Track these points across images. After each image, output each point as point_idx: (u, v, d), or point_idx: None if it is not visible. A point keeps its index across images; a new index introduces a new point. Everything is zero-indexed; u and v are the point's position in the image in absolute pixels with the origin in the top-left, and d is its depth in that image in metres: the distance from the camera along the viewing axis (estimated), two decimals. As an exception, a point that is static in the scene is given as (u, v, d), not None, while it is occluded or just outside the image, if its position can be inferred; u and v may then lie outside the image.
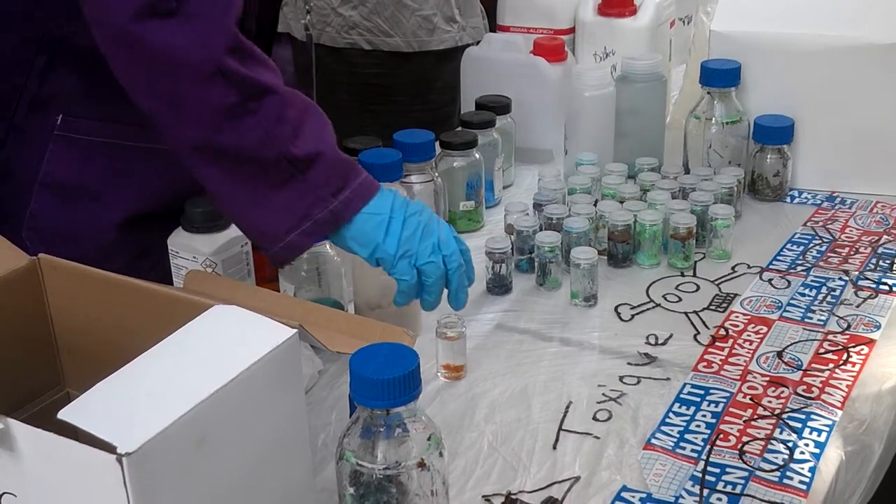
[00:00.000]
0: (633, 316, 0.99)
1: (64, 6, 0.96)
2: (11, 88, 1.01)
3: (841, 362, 0.90)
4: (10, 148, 1.02)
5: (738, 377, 0.88)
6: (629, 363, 0.91)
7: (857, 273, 1.05)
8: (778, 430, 0.80)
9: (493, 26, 1.58)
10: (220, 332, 0.60)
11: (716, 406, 0.84)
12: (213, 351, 0.58)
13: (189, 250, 0.93)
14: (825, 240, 1.12)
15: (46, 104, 1.01)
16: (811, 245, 1.11)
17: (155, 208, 1.05)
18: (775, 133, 1.20)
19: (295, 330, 0.60)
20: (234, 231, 0.94)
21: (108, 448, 0.49)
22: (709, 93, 1.21)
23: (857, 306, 0.99)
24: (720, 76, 1.19)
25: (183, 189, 1.01)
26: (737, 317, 0.98)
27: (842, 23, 1.19)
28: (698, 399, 0.85)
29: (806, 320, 0.97)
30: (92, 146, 1.02)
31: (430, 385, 0.89)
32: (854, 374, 0.88)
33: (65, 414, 0.52)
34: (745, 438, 0.79)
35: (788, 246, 1.11)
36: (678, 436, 0.80)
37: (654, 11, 1.36)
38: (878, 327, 0.95)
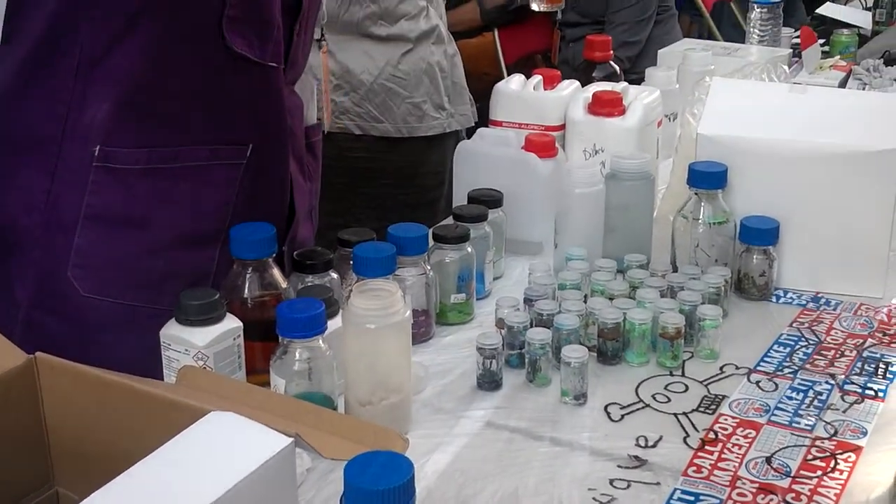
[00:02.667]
0: (622, 416, 1.00)
1: (99, 20, 0.97)
2: (55, 120, 1.03)
3: (829, 469, 0.90)
4: (57, 183, 1.03)
5: (728, 483, 0.88)
6: (619, 466, 0.91)
7: (843, 377, 1.06)
8: (768, 540, 0.80)
9: (485, 121, 1.62)
10: (216, 441, 0.60)
11: (706, 513, 0.84)
12: (209, 460, 0.58)
13: (181, 343, 0.93)
14: (811, 342, 1.14)
15: (85, 135, 1.03)
16: (797, 346, 1.12)
17: (204, 229, 1.06)
18: (761, 234, 1.22)
19: (291, 439, 0.60)
20: (227, 324, 0.94)
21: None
22: (696, 193, 1.23)
23: (844, 411, 0.99)
24: (707, 178, 1.22)
25: (227, 204, 1.02)
26: (725, 419, 0.98)
27: (825, 130, 1.23)
28: (688, 505, 0.85)
29: (794, 425, 0.97)
30: (131, 174, 1.03)
31: (420, 484, 0.88)
32: (842, 482, 0.88)
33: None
34: (735, 548, 0.79)
35: (775, 347, 1.13)
36: (668, 544, 0.80)
37: (642, 112, 1.40)
38: (865, 434, 0.96)
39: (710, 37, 3.73)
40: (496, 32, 3.13)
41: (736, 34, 3.80)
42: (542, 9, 1.01)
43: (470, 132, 2.47)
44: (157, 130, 1.05)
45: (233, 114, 1.09)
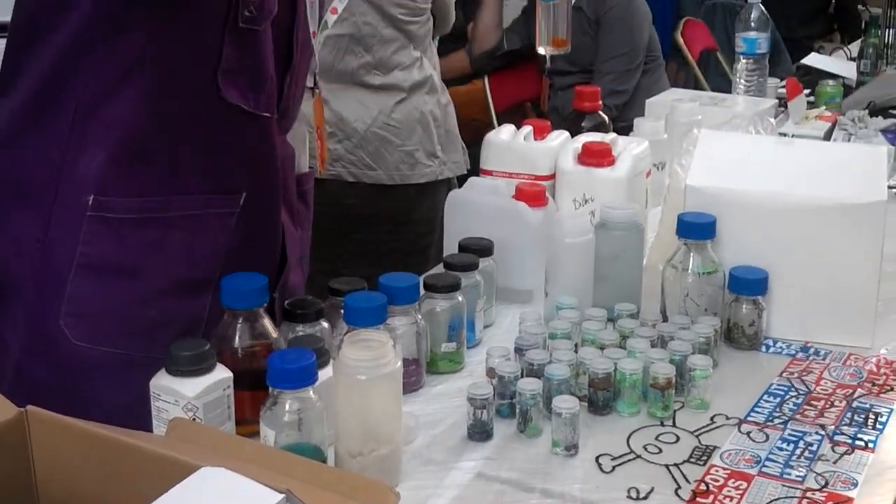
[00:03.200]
0: (614, 467, 0.99)
1: (95, 72, 0.98)
2: (49, 169, 1.03)
3: (820, 522, 0.90)
4: (51, 231, 1.03)
5: (720, 536, 0.88)
6: (610, 518, 0.91)
7: (833, 427, 1.06)
8: None
9: (476, 167, 1.63)
10: (207, 497, 0.60)
11: (698, 567, 0.83)
12: (201, 516, 0.58)
13: (171, 393, 0.93)
14: (801, 392, 1.14)
15: (79, 184, 1.03)
16: (787, 397, 1.13)
17: (196, 277, 1.06)
18: (750, 284, 1.23)
19: (282, 495, 0.60)
20: (217, 374, 0.94)
21: None
22: (685, 244, 1.24)
23: (835, 462, 1.00)
24: (696, 229, 1.23)
25: (219, 252, 1.02)
26: (717, 471, 0.98)
27: (812, 182, 1.24)
28: (680, 559, 0.85)
29: (785, 476, 0.97)
30: (125, 223, 1.04)
31: (410, 538, 0.88)
32: (834, 535, 0.88)
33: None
34: None
35: (765, 397, 1.13)
36: None
37: (631, 163, 1.41)
38: (856, 485, 0.96)
39: (697, 85, 3.78)
40: (486, 79, 3.17)
41: (722, 83, 3.86)
42: (548, 53, 1.03)
43: (462, 180, 2.49)
44: (152, 180, 1.05)
45: (226, 163, 1.10)
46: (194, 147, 1.07)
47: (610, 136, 1.48)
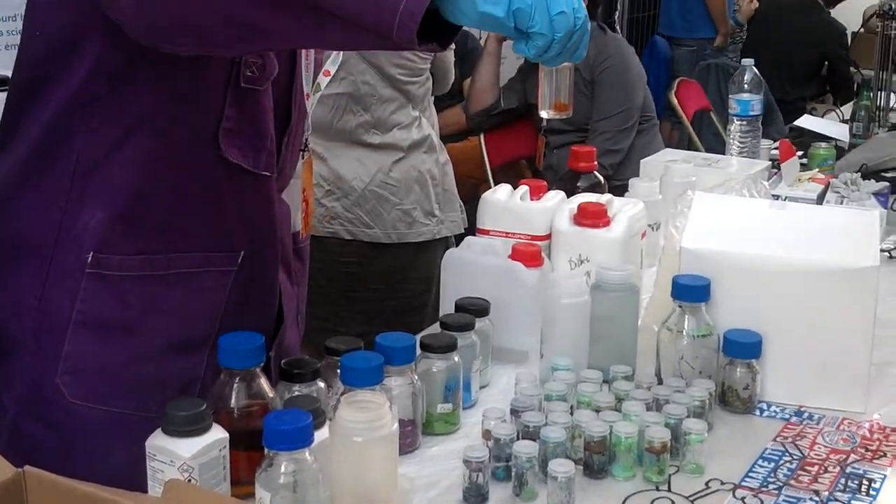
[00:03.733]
0: (608, 532, 0.99)
1: (97, 129, 0.99)
2: (48, 226, 1.03)
3: (816, 591, 0.90)
4: (49, 288, 1.03)
5: None
6: (605, 585, 0.90)
7: (827, 493, 1.06)
8: None
9: (472, 223, 1.64)
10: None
11: None
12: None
13: (166, 454, 0.92)
14: (795, 457, 1.14)
15: (78, 241, 1.03)
16: (781, 462, 1.13)
17: (193, 335, 1.06)
18: (744, 348, 1.23)
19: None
20: (213, 435, 0.94)
21: None
22: (680, 306, 1.25)
23: (830, 529, 0.99)
24: (691, 292, 1.24)
25: (217, 310, 1.02)
26: (711, 537, 0.98)
27: (805, 246, 1.26)
28: None
29: (780, 543, 0.97)
30: (124, 280, 1.04)
31: None
32: None
33: None
34: None
35: (760, 462, 1.13)
36: None
37: (626, 224, 1.42)
38: (851, 553, 0.96)
39: (691, 145, 3.82)
40: (482, 137, 3.21)
41: (716, 142, 3.91)
42: (550, 117, 1.05)
43: (459, 238, 2.50)
44: (152, 238, 1.06)
45: (226, 221, 1.11)
46: (194, 205, 1.08)
47: (605, 197, 1.50)
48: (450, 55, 2.63)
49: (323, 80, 1.26)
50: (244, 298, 1.13)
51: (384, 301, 1.99)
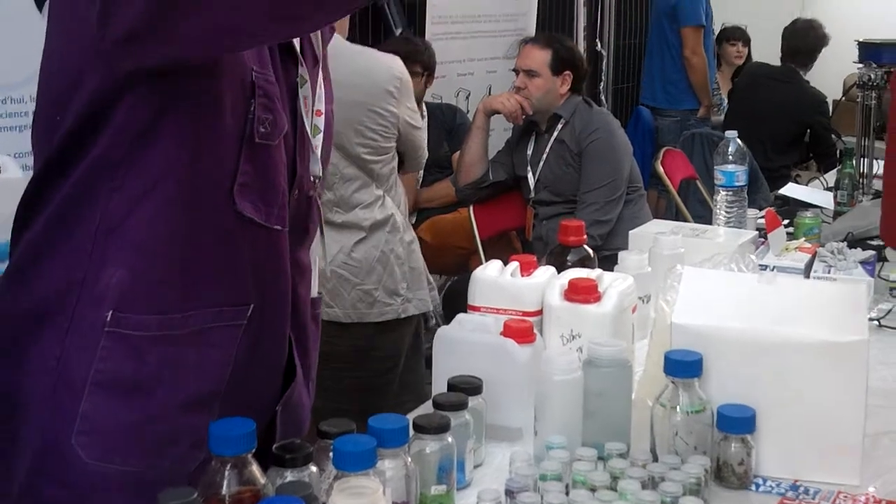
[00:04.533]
0: None
1: (119, 187, 1.01)
2: (69, 288, 1.04)
3: None
4: (68, 349, 1.03)
5: None
6: None
7: (827, 571, 1.05)
8: None
9: (461, 296, 1.64)
10: None
11: None
12: None
13: (159, 543, 0.91)
14: (793, 533, 1.13)
15: (98, 300, 1.04)
16: (780, 539, 1.12)
17: (205, 391, 1.07)
18: (738, 423, 1.23)
19: None
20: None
21: None
22: (673, 382, 1.25)
23: None
24: (683, 367, 1.24)
25: (226, 364, 1.03)
26: None
27: (795, 320, 1.26)
28: None
29: None
30: (142, 340, 1.05)
31: None
32: None
33: None
34: None
35: (758, 539, 1.12)
36: None
37: (617, 299, 1.43)
38: None
39: (678, 213, 3.85)
40: (471, 209, 3.23)
41: (702, 209, 3.94)
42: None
43: (449, 315, 2.48)
44: (169, 295, 1.07)
45: (238, 275, 1.12)
46: (210, 261, 1.10)
47: (596, 273, 1.51)
48: (418, 133, 2.66)
49: (319, 121, 1.27)
50: (253, 352, 1.14)
51: (346, 380, 1.98)
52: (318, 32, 1.21)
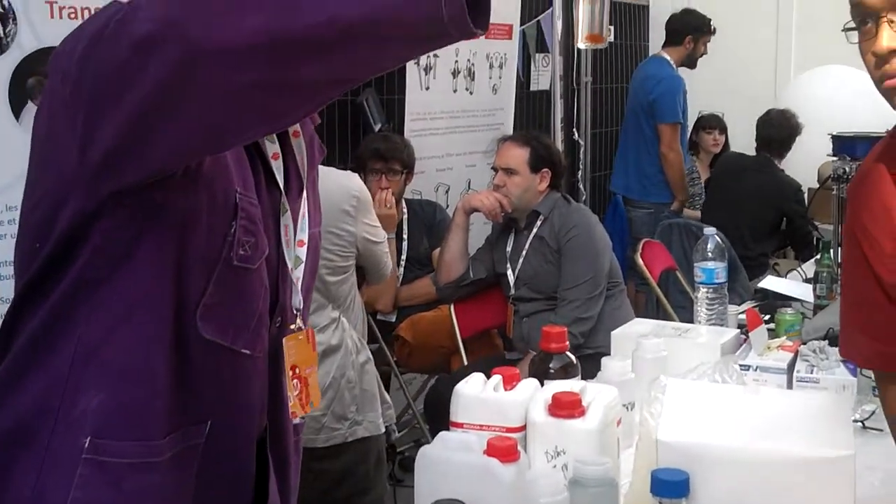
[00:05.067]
0: None
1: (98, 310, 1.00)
2: (46, 413, 1.02)
3: None
4: (44, 477, 1.01)
5: None
6: None
7: None
8: None
9: (443, 400, 1.61)
10: None
11: None
12: None
13: None
14: None
15: (75, 427, 1.02)
16: None
17: None
18: (729, 544, 1.21)
19: None
20: None
21: None
22: (660, 502, 1.23)
23: None
24: (670, 487, 1.21)
25: (190, 484, 0.99)
26: None
27: (781, 434, 1.26)
28: None
29: None
30: (119, 468, 1.02)
31: None
32: None
33: None
34: None
35: None
36: None
37: (602, 414, 1.41)
38: None
39: (659, 305, 3.85)
40: (452, 307, 3.21)
41: (684, 299, 3.95)
42: (585, 47, 1.02)
43: (432, 418, 2.41)
44: (146, 421, 1.05)
45: (205, 396, 1.10)
46: (184, 384, 1.08)
47: (579, 385, 1.49)
48: (378, 248, 2.65)
49: (300, 252, 1.26)
50: (213, 474, 1.11)
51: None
52: (305, 156, 1.21)
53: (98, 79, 0.95)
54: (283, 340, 1.20)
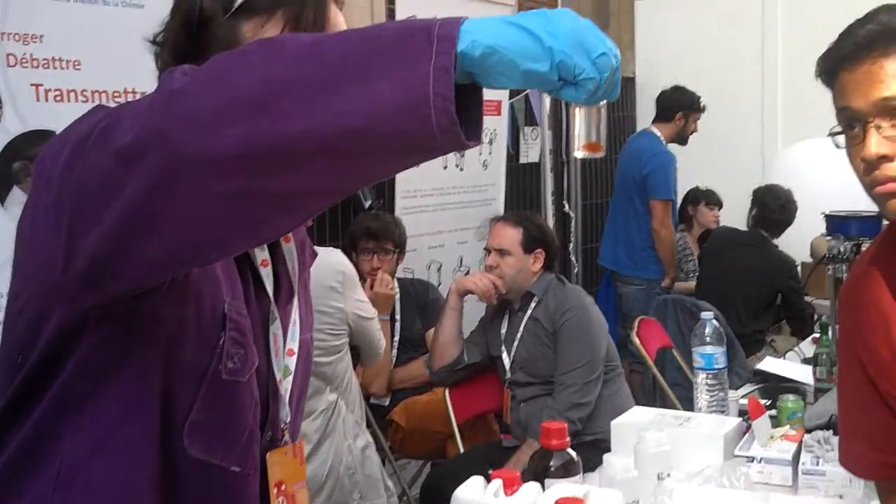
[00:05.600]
0: None
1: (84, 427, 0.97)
2: None
3: None
4: None
5: None
6: None
7: None
8: None
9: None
10: None
11: None
12: None
13: None
14: None
15: None
16: None
17: None
18: None
19: None
20: None
21: None
22: None
23: None
24: None
25: None
26: None
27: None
28: None
29: None
30: None
31: None
32: None
33: None
34: None
35: None
36: None
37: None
38: None
39: (656, 384, 3.80)
40: (447, 392, 3.15)
41: (680, 377, 3.89)
42: (583, 156, 0.99)
43: (442, 481, 2.35)
44: None
45: None
46: (167, 499, 1.03)
47: (583, 490, 1.44)
48: (370, 325, 2.61)
49: (290, 361, 1.21)
50: None
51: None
52: (296, 261, 1.18)
53: (81, 187, 0.92)
54: (268, 456, 1.14)
